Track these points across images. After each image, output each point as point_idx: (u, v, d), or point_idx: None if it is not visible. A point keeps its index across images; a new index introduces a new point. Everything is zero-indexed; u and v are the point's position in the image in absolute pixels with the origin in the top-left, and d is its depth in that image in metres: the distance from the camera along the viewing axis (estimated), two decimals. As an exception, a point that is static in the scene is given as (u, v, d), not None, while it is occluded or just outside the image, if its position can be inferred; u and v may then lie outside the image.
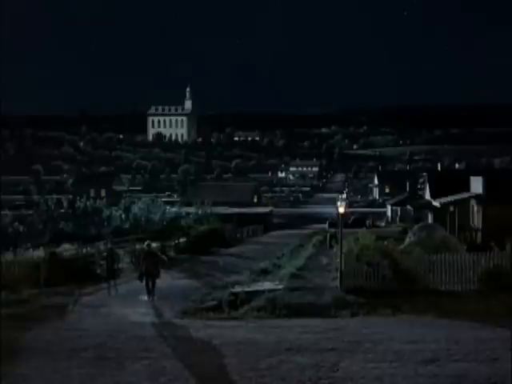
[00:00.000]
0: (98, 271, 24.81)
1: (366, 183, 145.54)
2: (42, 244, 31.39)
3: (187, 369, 11.11)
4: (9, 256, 25.78)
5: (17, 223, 44.55)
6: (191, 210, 55.38)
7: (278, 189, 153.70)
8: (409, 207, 63.92)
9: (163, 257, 22.77)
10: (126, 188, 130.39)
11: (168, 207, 53.33)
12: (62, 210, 48.58)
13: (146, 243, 21.86)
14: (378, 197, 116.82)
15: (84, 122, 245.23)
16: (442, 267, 20.53)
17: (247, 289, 20.86)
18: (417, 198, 63.45)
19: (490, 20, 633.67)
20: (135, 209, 48.11)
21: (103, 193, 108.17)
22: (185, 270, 27.89)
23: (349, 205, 49.71)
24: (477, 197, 36.68)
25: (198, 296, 20.19)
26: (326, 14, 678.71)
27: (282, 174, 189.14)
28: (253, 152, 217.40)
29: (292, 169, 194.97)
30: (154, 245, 31.75)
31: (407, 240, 27.36)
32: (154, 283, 20.16)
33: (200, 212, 53.88)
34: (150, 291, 20.02)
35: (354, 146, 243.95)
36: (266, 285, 21.83)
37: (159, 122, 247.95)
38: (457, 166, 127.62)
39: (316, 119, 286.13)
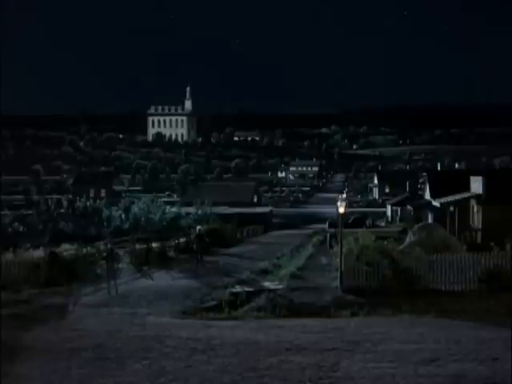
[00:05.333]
0: (98, 271, 24.78)
1: (366, 183, 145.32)
2: (42, 244, 31.36)
3: (187, 369, 11.10)
4: (9, 256, 25.76)
5: (17, 223, 44.54)
6: (191, 209, 55.29)
7: (277, 189, 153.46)
8: (409, 207, 63.92)
9: (206, 239, 30.88)
10: (125, 188, 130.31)
11: (168, 207, 53.21)
12: (62, 210, 48.54)
13: (198, 227, 31.77)
14: (377, 197, 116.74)
15: (84, 122, 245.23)
16: (442, 267, 20.55)
17: (247, 289, 20.88)
18: (417, 197, 63.47)
19: (490, 20, 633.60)
20: (135, 209, 48.04)
21: (103, 193, 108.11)
22: (185, 270, 27.89)
23: (348, 205, 49.74)
24: (477, 197, 36.69)
25: (198, 296, 20.20)
26: (326, 14, 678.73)
27: (282, 174, 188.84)
28: (253, 152, 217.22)
29: (292, 169, 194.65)
30: (154, 245, 32.02)
31: (407, 240, 27.40)
32: (202, 256, 29.21)
33: (200, 212, 53.80)
34: (199, 261, 28.77)
35: (354, 146, 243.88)
36: (266, 285, 21.84)
37: (159, 121, 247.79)
38: (457, 165, 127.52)
39: (316, 119, 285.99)
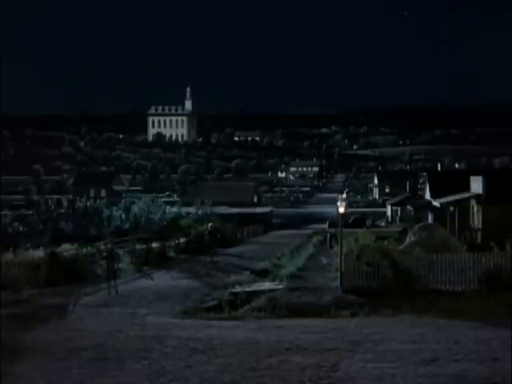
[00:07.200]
0: (98, 271, 24.80)
1: (366, 183, 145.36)
2: (42, 244, 31.37)
3: (187, 369, 11.10)
4: (9, 256, 25.75)
5: (17, 223, 44.53)
6: (191, 209, 55.26)
7: (278, 189, 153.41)
8: (409, 207, 63.92)
9: (218, 235, 34.53)
10: (126, 188, 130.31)
11: (168, 207, 53.21)
12: (62, 210, 48.53)
13: (209, 224, 34.91)
14: (378, 197, 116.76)
15: (84, 122, 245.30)
16: (442, 267, 20.54)
17: (247, 289, 20.87)
18: (417, 198, 63.48)
19: (490, 20, 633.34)
20: (135, 209, 48.04)
21: (103, 193, 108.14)
22: (185, 270, 27.89)
23: (349, 205, 49.78)
24: (477, 197, 36.68)
25: (198, 296, 20.19)
26: (326, 14, 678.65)
27: (282, 174, 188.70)
28: (253, 152, 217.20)
29: (292, 169, 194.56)
30: (154, 245, 32.06)
31: (407, 240, 27.40)
32: (213, 251, 31.96)
33: (200, 212, 53.78)
34: (211, 256, 31.20)
35: (354, 146, 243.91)
36: (266, 285, 21.84)
37: (159, 122, 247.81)
38: (457, 165, 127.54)
39: (316, 119, 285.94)
